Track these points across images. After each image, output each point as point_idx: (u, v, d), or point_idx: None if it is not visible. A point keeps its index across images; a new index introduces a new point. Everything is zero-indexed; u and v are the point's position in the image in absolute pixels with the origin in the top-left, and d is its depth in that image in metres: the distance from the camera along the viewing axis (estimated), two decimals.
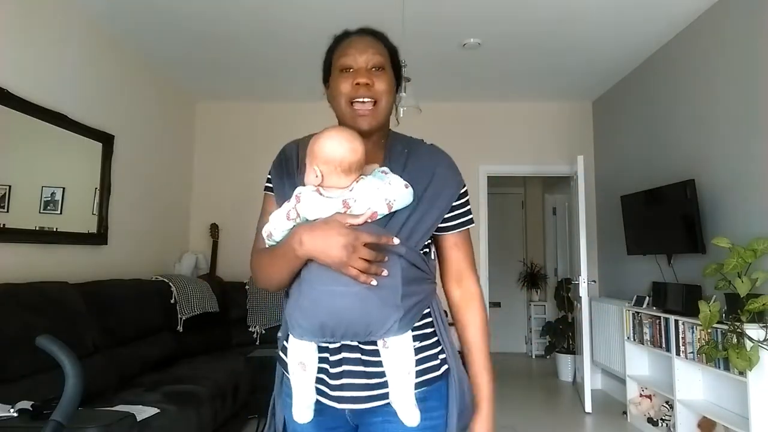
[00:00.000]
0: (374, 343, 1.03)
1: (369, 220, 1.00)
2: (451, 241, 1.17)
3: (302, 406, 1.07)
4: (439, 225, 1.13)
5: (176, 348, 3.58)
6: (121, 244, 3.76)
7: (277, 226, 1.05)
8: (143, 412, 2.24)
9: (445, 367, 1.12)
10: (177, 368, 3.28)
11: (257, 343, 4.27)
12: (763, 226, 2.81)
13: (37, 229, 2.96)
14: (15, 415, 1.79)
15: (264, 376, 3.41)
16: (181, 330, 3.72)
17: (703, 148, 3.38)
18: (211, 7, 3.34)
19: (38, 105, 2.89)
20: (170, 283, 3.79)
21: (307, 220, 1.02)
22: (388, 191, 1.02)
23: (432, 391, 1.09)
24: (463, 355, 1.17)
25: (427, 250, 1.13)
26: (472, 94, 5.01)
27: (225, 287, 4.48)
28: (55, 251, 3.07)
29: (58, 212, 3.13)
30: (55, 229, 3.09)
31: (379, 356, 1.03)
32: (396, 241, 1.01)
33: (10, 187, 2.75)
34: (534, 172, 5.29)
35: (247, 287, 4.46)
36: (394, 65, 1.19)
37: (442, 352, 1.12)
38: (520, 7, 3.33)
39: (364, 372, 1.04)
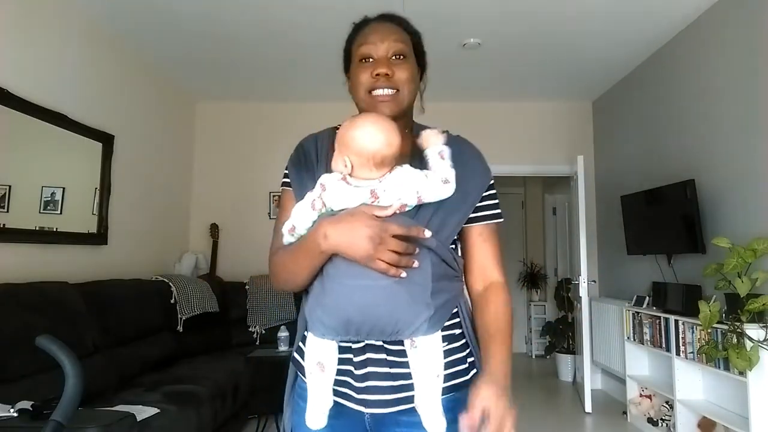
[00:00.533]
0: (401, 342, 0.98)
1: (398, 212, 0.95)
2: (477, 231, 1.08)
3: (317, 411, 1.00)
4: None
5: (176, 348, 3.58)
6: (121, 244, 3.76)
7: (301, 217, 0.99)
8: (143, 412, 2.24)
9: (474, 371, 1.05)
10: (177, 368, 3.29)
11: (257, 343, 4.27)
12: (763, 226, 2.81)
13: (37, 229, 2.96)
14: (15, 415, 1.79)
15: (264, 376, 3.45)
16: (181, 330, 3.72)
17: (703, 148, 3.38)
18: (212, 8, 3.34)
19: (38, 105, 2.89)
20: (170, 283, 3.79)
21: (332, 210, 0.97)
22: (421, 183, 0.96)
23: (460, 399, 1.00)
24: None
25: (454, 246, 1.07)
26: (472, 94, 5.01)
27: (225, 287, 4.48)
28: (55, 251, 3.07)
29: (58, 212, 3.13)
30: (55, 229, 3.08)
31: (406, 357, 0.97)
32: (428, 233, 0.94)
33: (10, 187, 2.75)
34: (534, 172, 5.29)
35: (247, 287, 4.46)
36: (418, 51, 1.13)
37: (471, 355, 1.06)
38: (520, 7, 3.33)
39: (390, 374, 0.99)
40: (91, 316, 2.78)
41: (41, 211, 3.00)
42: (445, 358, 1.00)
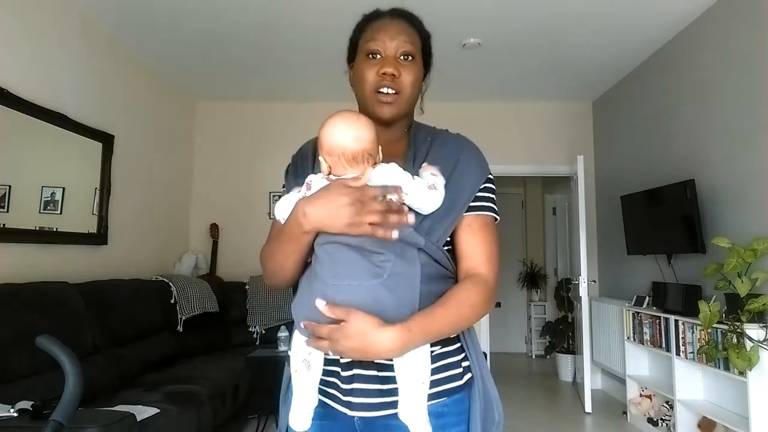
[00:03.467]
0: None
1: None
2: (466, 222, 1.02)
3: (302, 411, 0.98)
4: None
5: (176, 348, 3.58)
6: (121, 244, 3.76)
7: (285, 211, 0.99)
8: (143, 412, 2.23)
9: (469, 375, 1.01)
10: (177, 368, 3.29)
11: (257, 343, 4.27)
12: (763, 226, 2.81)
13: (37, 229, 2.96)
14: (15, 415, 1.79)
15: (264, 376, 3.45)
16: (181, 330, 3.72)
17: (703, 148, 3.38)
18: (212, 7, 3.34)
19: (38, 105, 2.89)
20: (170, 283, 3.79)
21: None
22: (406, 181, 0.94)
23: (450, 404, 0.99)
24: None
25: (450, 247, 1.03)
26: (472, 94, 5.01)
27: (225, 287, 4.48)
28: (55, 251, 3.07)
29: (58, 212, 3.13)
30: (55, 229, 3.08)
31: (392, 360, 0.94)
32: (406, 185, 0.91)
33: (10, 187, 2.75)
34: (534, 172, 5.29)
35: (247, 287, 4.46)
36: (425, 52, 1.11)
37: (465, 359, 1.02)
38: (520, 7, 3.33)
39: (377, 377, 0.96)
40: (91, 316, 2.78)
41: (41, 211, 3.00)
42: (437, 361, 0.97)
